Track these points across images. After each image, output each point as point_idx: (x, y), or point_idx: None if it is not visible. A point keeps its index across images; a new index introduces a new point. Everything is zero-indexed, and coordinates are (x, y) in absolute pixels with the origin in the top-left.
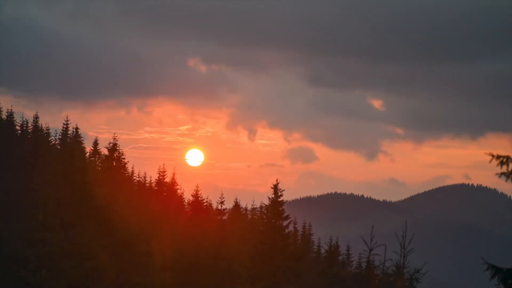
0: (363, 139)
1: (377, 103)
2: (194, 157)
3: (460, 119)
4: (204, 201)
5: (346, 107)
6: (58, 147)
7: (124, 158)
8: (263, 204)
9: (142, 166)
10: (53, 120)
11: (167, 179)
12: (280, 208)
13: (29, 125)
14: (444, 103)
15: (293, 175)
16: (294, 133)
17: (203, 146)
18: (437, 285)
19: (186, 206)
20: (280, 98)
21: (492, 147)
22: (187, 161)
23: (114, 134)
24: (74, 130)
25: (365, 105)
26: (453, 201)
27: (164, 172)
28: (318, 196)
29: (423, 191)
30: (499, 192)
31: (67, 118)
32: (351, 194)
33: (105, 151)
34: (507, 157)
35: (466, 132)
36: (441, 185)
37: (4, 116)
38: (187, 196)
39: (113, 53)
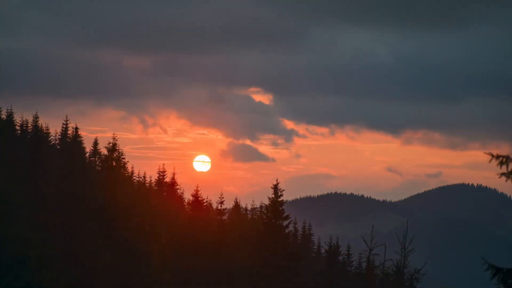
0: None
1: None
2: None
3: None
4: (204, 201)
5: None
6: (58, 147)
7: (124, 158)
8: (263, 204)
9: None
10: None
11: (167, 179)
12: (280, 208)
13: (29, 125)
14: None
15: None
16: (213, 130)
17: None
18: (437, 285)
19: (186, 206)
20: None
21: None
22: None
23: (114, 134)
24: (74, 130)
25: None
26: (453, 201)
27: (164, 172)
28: (318, 196)
29: (423, 191)
30: (499, 192)
31: (66, 117)
32: (351, 194)
33: (105, 151)
34: (507, 157)
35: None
36: (434, 183)
37: (4, 116)
38: (187, 196)
39: None
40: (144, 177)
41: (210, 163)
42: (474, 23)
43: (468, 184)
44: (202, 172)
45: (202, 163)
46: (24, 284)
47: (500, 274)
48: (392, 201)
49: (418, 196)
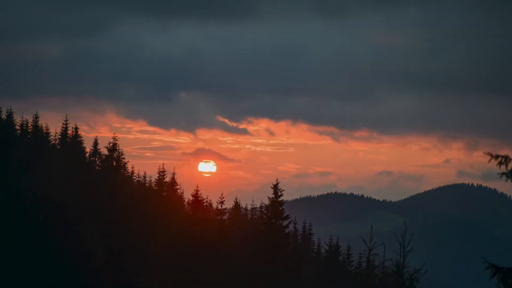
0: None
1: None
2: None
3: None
4: (204, 201)
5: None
6: (58, 147)
7: (124, 158)
8: (263, 204)
9: None
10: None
11: (167, 179)
12: (280, 208)
13: (29, 125)
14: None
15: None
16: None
17: None
18: (437, 285)
19: (186, 206)
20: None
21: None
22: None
23: (114, 133)
24: (74, 130)
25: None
26: (453, 201)
27: (164, 172)
28: (318, 196)
29: (423, 191)
30: (499, 192)
31: (66, 118)
32: (351, 194)
33: (105, 151)
34: (506, 157)
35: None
36: (435, 185)
37: (4, 116)
38: (187, 196)
39: None
40: (144, 177)
41: (215, 166)
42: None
43: (468, 184)
44: (202, 172)
45: (208, 166)
46: (26, 283)
47: (500, 273)
48: (392, 201)
49: (418, 196)
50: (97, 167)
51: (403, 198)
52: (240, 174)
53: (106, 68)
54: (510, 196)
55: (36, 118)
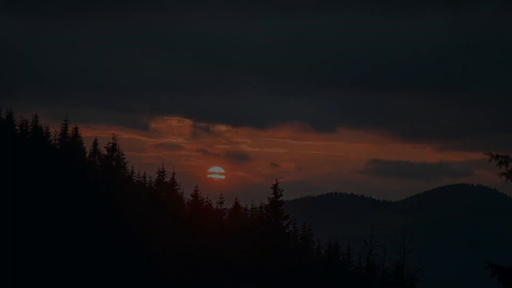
0: None
1: None
2: None
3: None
4: (204, 201)
5: None
6: (58, 147)
7: (123, 158)
8: (263, 204)
9: None
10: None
11: (167, 179)
12: (280, 208)
13: (29, 125)
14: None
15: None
16: None
17: None
18: (437, 285)
19: (185, 206)
20: None
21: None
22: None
23: (114, 134)
24: (74, 130)
25: None
26: (453, 201)
27: (164, 172)
28: (318, 196)
29: (423, 191)
30: (499, 192)
31: (66, 117)
32: (351, 194)
33: (105, 151)
34: (506, 157)
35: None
36: (435, 184)
37: (4, 116)
38: (187, 196)
39: None
40: (144, 177)
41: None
42: None
43: (468, 184)
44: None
45: (217, 174)
46: (25, 280)
47: (500, 273)
48: (392, 201)
49: (418, 196)
50: (97, 167)
51: (403, 198)
52: (241, 174)
53: None
54: (510, 196)
55: (36, 118)
